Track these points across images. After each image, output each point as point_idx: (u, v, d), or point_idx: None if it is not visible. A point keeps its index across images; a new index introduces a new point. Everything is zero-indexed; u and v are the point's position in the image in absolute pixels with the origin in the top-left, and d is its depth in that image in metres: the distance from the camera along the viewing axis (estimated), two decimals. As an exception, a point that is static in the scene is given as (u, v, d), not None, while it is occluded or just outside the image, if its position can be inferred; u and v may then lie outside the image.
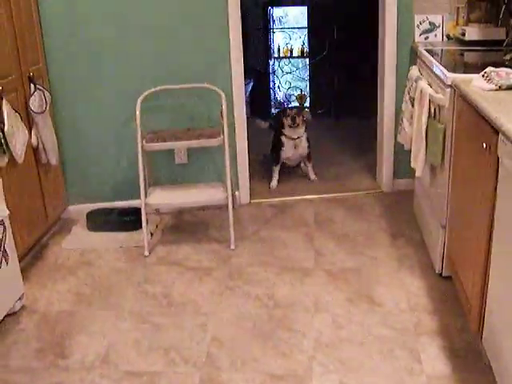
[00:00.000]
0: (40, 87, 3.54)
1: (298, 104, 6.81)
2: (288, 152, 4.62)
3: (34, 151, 3.55)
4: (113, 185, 4.18)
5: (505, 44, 3.52)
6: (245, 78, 4.11)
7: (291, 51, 7.31)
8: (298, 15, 7.23)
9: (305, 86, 7.27)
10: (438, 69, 3.03)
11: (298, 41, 7.25)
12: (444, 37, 3.98)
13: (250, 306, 3.04)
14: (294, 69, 7.34)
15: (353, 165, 5.00)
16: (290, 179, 4.70)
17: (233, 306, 3.05)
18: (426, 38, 3.97)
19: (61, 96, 3.93)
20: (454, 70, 2.94)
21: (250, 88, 6.44)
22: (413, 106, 3.32)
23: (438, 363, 2.54)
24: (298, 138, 4.60)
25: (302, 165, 4.79)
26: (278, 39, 7.27)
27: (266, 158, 4.95)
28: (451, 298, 2.96)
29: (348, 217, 4.01)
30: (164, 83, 3.81)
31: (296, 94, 7.07)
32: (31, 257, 3.62)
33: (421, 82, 3.20)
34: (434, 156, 3.02)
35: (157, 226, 3.96)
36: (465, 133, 2.64)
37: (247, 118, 4.22)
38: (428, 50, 3.55)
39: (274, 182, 4.63)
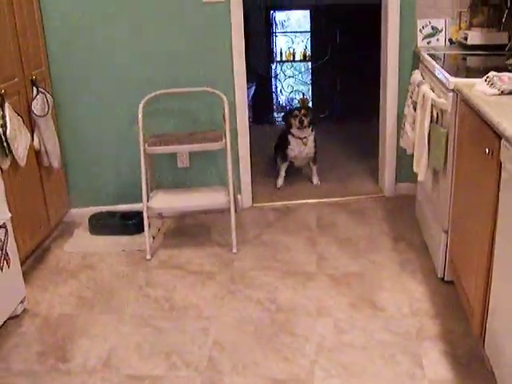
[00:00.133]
0: (42, 90, 3.55)
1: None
2: (295, 150, 4.62)
3: (36, 154, 3.55)
4: (115, 188, 4.18)
5: (507, 48, 3.52)
6: (247, 81, 4.11)
7: (293, 55, 7.32)
8: (300, 19, 7.24)
9: (307, 89, 7.28)
10: (441, 73, 3.03)
11: (301, 44, 7.26)
12: (446, 41, 3.98)
13: (251, 309, 3.04)
14: (297, 72, 7.34)
15: (355, 169, 4.99)
16: (293, 183, 4.70)
17: (235, 309, 3.04)
18: (429, 43, 3.97)
19: (63, 99, 3.94)
20: (456, 75, 2.93)
21: (252, 92, 6.45)
22: (415, 110, 3.31)
23: (440, 368, 2.53)
24: (305, 137, 4.60)
25: (307, 168, 4.78)
26: (281, 43, 7.28)
27: (270, 160, 4.95)
28: (453, 302, 2.96)
29: (350, 221, 4.00)
30: (166, 87, 3.82)
31: (298, 98, 7.07)
32: (33, 260, 3.62)
33: (423, 86, 3.20)
34: (436, 160, 3.02)
35: (159, 230, 3.96)
36: (467, 137, 2.64)
37: (249, 122, 4.22)
38: (430, 55, 3.55)
39: (280, 181, 4.64)
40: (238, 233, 3.71)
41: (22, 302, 3.05)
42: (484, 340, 2.40)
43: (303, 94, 7.15)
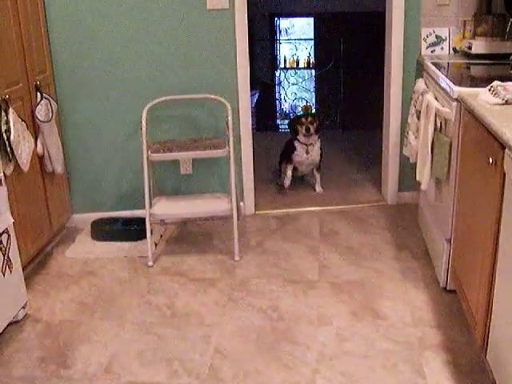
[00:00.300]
0: (46, 96, 3.56)
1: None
2: (300, 155, 4.62)
3: (40, 160, 3.55)
4: (118, 194, 4.18)
5: (511, 58, 3.51)
6: (251, 88, 4.11)
7: (297, 62, 7.33)
8: (304, 26, 7.26)
9: (310, 97, 7.29)
10: (445, 82, 3.03)
11: (305, 52, 7.27)
12: (450, 50, 3.98)
13: (253, 317, 3.03)
14: (300, 80, 7.35)
15: (358, 176, 4.99)
16: (296, 191, 4.69)
17: (236, 317, 3.04)
18: (433, 51, 3.98)
19: (67, 105, 3.95)
20: (460, 84, 2.93)
21: (255, 99, 6.46)
22: (419, 118, 3.31)
23: (441, 378, 2.52)
24: (311, 144, 4.61)
25: (311, 176, 4.78)
26: (285, 50, 7.29)
27: (275, 174, 4.94)
28: (456, 312, 2.95)
29: (353, 229, 4.00)
30: (170, 94, 3.83)
31: (301, 105, 7.08)
32: (35, 265, 3.62)
33: (427, 95, 3.20)
34: (439, 169, 3.01)
35: (161, 236, 3.96)
36: (471, 147, 2.63)
37: (252, 129, 4.22)
38: (434, 63, 3.56)
39: (287, 181, 4.62)
40: (241, 240, 3.71)
41: (23, 307, 3.05)
42: (486, 350, 2.39)
43: (306, 102, 7.16)
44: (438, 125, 3.05)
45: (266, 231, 4.03)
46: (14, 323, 2.98)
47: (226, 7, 3.83)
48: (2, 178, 2.88)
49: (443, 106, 2.98)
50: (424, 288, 3.22)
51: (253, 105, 5.81)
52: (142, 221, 3.73)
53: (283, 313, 3.05)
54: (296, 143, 4.64)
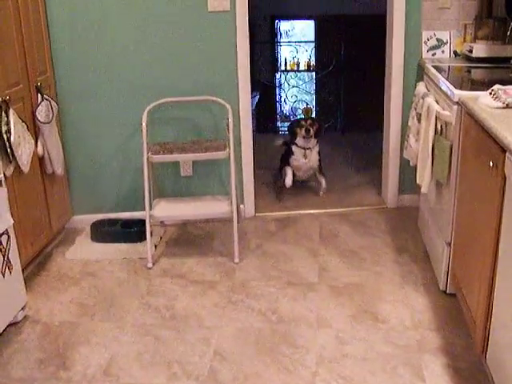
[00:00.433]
0: (47, 97, 3.55)
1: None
2: (298, 160, 4.56)
3: (40, 161, 3.55)
4: (118, 196, 4.18)
5: (512, 61, 3.53)
6: (251, 90, 4.11)
7: (298, 65, 7.33)
8: (305, 29, 7.26)
9: (311, 99, 7.28)
10: (445, 85, 3.03)
11: (305, 54, 7.27)
12: (451, 53, 3.98)
13: (253, 320, 3.03)
14: (301, 82, 7.35)
15: (358, 179, 4.99)
16: (296, 193, 4.69)
17: (236, 320, 3.03)
18: (434, 55, 3.98)
19: (67, 106, 3.95)
20: (461, 87, 2.94)
21: (256, 101, 6.46)
22: (419, 121, 3.31)
23: (441, 381, 2.51)
24: (309, 148, 4.56)
25: (315, 181, 4.73)
26: (285, 52, 7.29)
27: (275, 177, 4.91)
28: (455, 315, 2.95)
29: (353, 232, 4.00)
30: (170, 95, 3.83)
31: (302, 108, 7.08)
32: (35, 266, 3.62)
33: (428, 98, 3.20)
34: (440, 173, 3.01)
35: (161, 238, 3.95)
36: (471, 150, 2.63)
37: (253, 132, 4.21)
38: (435, 67, 3.56)
39: (289, 180, 4.48)
40: (241, 242, 3.71)
41: (22, 308, 3.05)
42: (486, 353, 2.39)
43: (307, 104, 7.16)
44: (439, 128, 3.05)
45: (266, 233, 4.02)
46: (13, 324, 2.98)
47: (227, 9, 3.82)
48: (2, 179, 2.89)
49: (444, 110, 2.98)
50: (424, 291, 3.22)
51: (253, 107, 5.81)
52: (141, 222, 3.73)
53: (283, 315, 3.05)
54: (294, 147, 4.59)
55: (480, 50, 3.68)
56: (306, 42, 7.20)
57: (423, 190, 3.26)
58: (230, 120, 3.63)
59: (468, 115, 2.66)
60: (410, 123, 3.59)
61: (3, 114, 3.04)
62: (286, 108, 7.31)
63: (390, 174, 4.30)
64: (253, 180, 4.25)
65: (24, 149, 3.18)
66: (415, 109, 3.46)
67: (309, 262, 3.61)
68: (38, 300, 3.26)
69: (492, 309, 2.31)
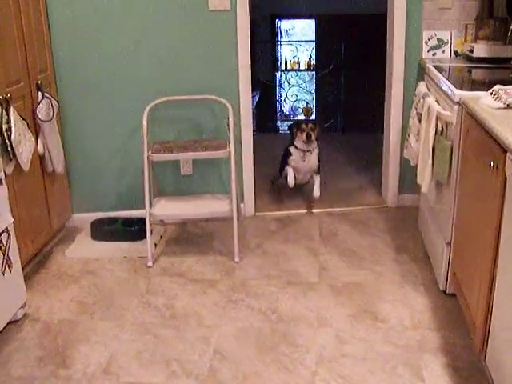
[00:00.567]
0: (47, 95, 3.55)
1: (304, 117, 6.79)
2: (296, 161, 4.42)
3: (40, 159, 3.55)
4: (118, 194, 4.18)
5: (513, 62, 3.53)
6: (251, 90, 4.11)
7: (298, 64, 7.33)
8: (305, 28, 7.25)
9: (311, 98, 7.28)
10: (446, 85, 3.03)
11: (305, 53, 7.27)
12: (452, 53, 3.98)
13: (253, 319, 3.03)
14: (301, 81, 7.35)
15: (358, 179, 4.99)
16: (296, 193, 4.68)
17: (236, 319, 3.03)
18: (434, 55, 3.98)
19: (68, 104, 3.94)
20: (461, 87, 2.94)
21: (256, 100, 6.45)
22: (420, 121, 3.31)
23: (441, 381, 2.51)
24: (309, 151, 4.43)
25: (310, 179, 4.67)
26: (285, 52, 7.29)
27: (274, 180, 4.87)
28: (455, 315, 2.95)
29: (353, 231, 4.00)
30: (171, 94, 3.83)
31: (302, 107, 7.07)
32: (34, 265, 3.61)
33: (428, 98, 3.20)
34: (440, 173, 3.01)
35: (161, 237, 3.95)
36: (472, 150, 2.63)
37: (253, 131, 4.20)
38: (436, 67, 3.56)
39: (291, 181, 4.36)
40: (240, 241, 3.71)
41: (22, 306, 3.05)
42: (486, 353, 2.39)
43: (307, 103, 7.16)
44: (439, 128, 3.05)
45: (266, 233, 4.03)
46: (12, 322, 2.98)
47: (227, 8, 3.82)
48: (3, 177, 2.88)
49: (444, 110, 2.98)
50: (424, 291, 3.22)
51: (253, 106, 5.81)
52: (141, 221, 3.73)
53: (283, 314, 3.05)
54: (292, 149, 4.45)
55: (481, 50, 3.68)
56: (306, 41, 7.21)
57: (423, 189, 3.26)
58: (230, 119, 3.63)
59: (469, 115, 2.66)
60: (410, 123, 3.59)
61: (4, 111, 3.04)
62: (286, 107, 7.31)
63: (390, 173, 4.30)
64: (253, 179, 4.25)
65: (24, 147, 3.18)
66: (416, 109, 3.46)
67: (309, 261, 3.61)
68: (38, 298, 3.26)
69: (492, 309, 2.31)
